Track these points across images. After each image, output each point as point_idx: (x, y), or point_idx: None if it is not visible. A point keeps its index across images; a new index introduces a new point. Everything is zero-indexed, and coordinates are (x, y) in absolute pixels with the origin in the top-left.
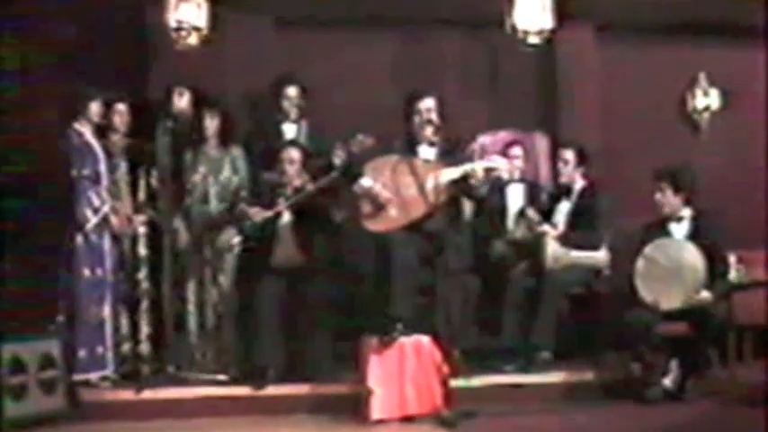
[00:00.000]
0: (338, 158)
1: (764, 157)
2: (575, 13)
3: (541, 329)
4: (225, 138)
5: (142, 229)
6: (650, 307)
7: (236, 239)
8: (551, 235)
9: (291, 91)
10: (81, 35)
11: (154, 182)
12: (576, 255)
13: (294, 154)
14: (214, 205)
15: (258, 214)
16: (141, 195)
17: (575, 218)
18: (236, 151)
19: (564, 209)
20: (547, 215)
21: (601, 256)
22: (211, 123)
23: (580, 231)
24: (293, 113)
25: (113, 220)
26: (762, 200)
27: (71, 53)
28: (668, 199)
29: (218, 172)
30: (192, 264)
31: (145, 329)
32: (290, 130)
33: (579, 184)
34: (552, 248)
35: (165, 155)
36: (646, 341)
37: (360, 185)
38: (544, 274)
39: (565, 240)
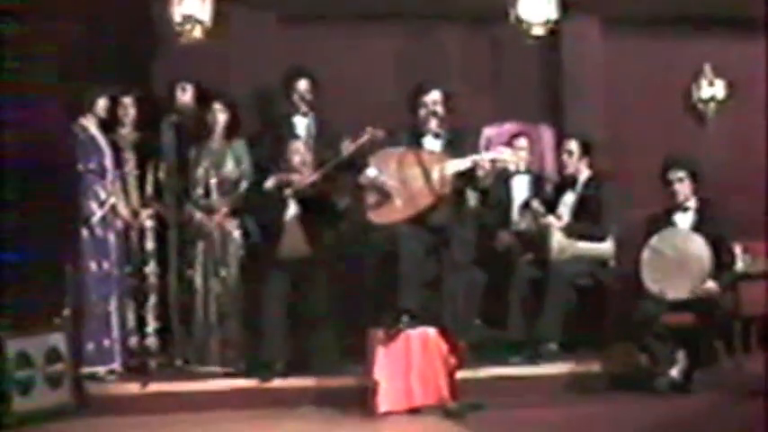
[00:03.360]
0: (346, 151)
1: None
2: (580, 4)
3: (547, 321)
4: (230, 132)
5: (149, 223)
6: (656, 297)
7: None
8: (556, 226)
9: (302, 84)
10: (85, 29)
11: (161, 176)
12: (582, 246)
13: (302, 148)
14: (215, 198)
15: (303, 181)
16: (149, 189)
17: (580, 209)
18: (239, 144)
19: (569, 200)
20: (552, 206)
21: (606, 246)
22: (220, 118)
23: (585, 222)
24: (303, 106)
25: (120, 212)
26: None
27: (75, 47)
28: (686, 187)
29: (221, 165)
30: (196, 256)
31: (152, 323)
32: (300, 123)
33: (584, 175)
34: (557, 240)
35: (169, 149)
36: (652, 332)
37: (365, 176)
38: (549, 266)
39: (570, 231)
